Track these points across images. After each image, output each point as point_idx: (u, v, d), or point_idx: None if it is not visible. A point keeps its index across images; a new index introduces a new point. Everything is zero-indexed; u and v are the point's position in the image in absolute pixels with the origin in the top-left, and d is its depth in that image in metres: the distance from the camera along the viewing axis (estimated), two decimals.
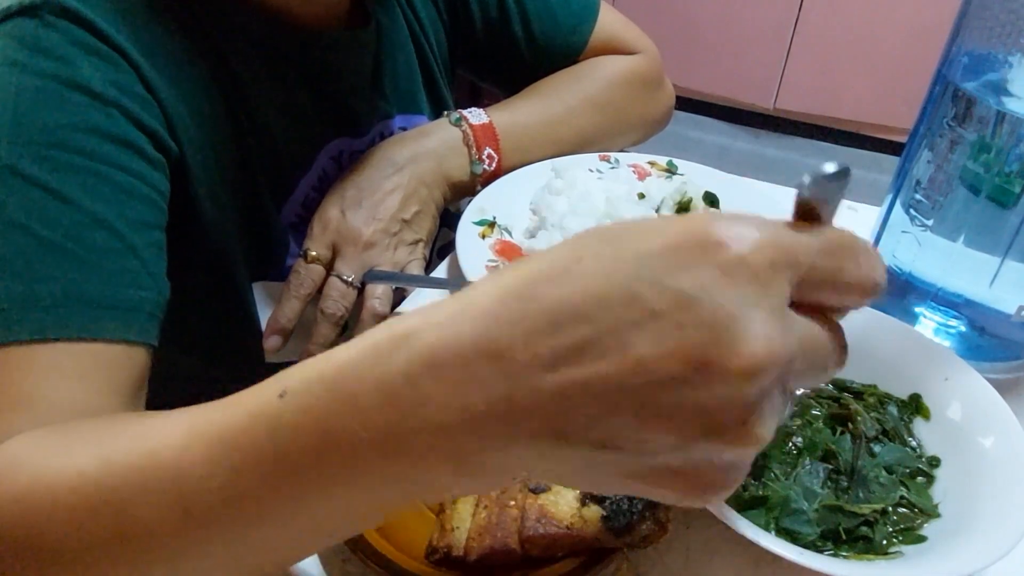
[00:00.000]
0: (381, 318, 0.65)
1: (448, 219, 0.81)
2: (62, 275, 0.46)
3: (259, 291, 0.66)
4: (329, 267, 0.66)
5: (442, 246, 0.84)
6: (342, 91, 0.71)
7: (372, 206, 0.67)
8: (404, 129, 0.76)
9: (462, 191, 0.76)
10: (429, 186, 0.72)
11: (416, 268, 0.69)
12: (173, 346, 0.53)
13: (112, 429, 0.37)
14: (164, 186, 0.54)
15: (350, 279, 0.65)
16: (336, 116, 0.71)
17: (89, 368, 0.46)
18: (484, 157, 0.75)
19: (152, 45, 0.54)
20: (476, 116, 0.76)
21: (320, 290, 0.65)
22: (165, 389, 0.53)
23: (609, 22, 0.88)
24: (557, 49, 0.86)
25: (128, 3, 0.54)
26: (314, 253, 0.65)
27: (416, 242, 0.71)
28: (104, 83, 0.51)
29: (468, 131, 0.75)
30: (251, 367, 0.69)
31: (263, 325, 0.67)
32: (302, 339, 0.67)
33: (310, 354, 0.70)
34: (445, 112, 0.77)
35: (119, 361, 0.48)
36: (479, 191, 0.76)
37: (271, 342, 0.64)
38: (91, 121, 0.50)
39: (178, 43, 0.56)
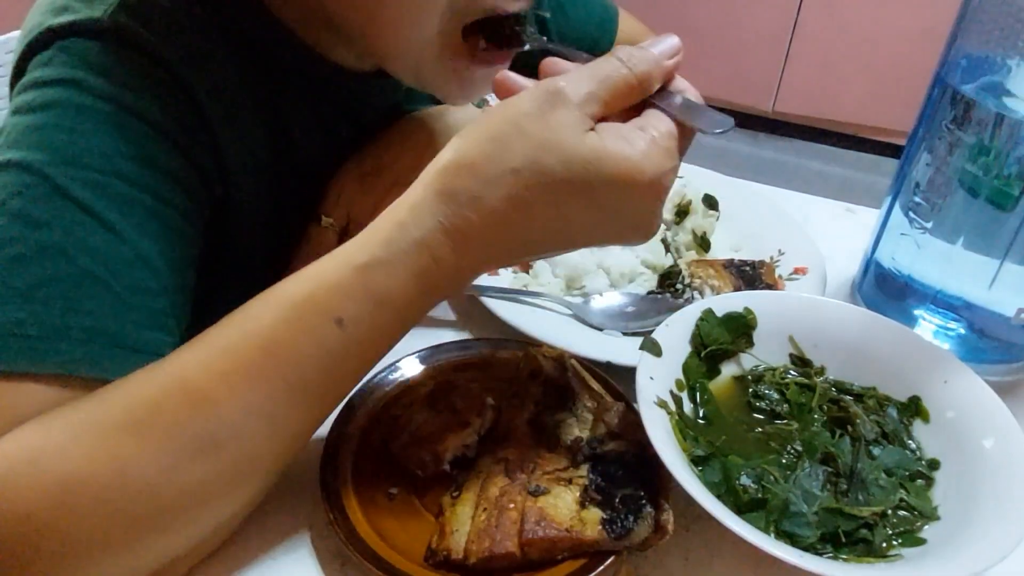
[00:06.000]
0: None
1: None
2: (96, 309, 0.44)
3: None
4: (343, 235, 0.63)
5: None
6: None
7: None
8: None
9: None
10: None
11: None
12: None
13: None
14: (202, 224, 0.53)
15: None
16: None
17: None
18: None
19: (215, 85, 0.53)
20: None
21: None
22: None
23: (629, 27, 0.89)
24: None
25: (196, 40, 0.52)
26: (330, 220, 0.63)
27: None
28: (165, 115, 0.49)
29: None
30: None
31: None
32: None
33: None
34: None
35: None
36: None
37: None
38: (149, 153, 0.48)
39: (239, 88, 0.55)
